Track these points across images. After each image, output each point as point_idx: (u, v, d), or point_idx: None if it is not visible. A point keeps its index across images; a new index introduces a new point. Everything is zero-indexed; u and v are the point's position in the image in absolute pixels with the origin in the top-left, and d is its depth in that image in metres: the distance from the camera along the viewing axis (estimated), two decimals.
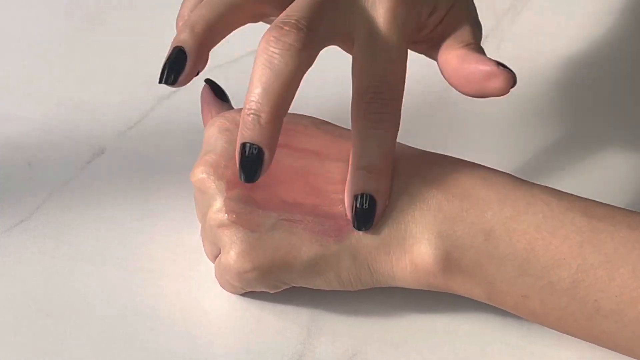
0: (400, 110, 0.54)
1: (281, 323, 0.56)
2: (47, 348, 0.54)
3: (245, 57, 0.73)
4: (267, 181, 0.53)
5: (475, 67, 0.54)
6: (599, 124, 0.68)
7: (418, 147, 0.56)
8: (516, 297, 0.52)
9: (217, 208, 0.54)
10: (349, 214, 0.53)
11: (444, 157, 0.55)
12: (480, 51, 0.55)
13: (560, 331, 0.53)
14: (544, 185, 0.53)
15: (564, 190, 0.53)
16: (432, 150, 0.56)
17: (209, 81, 0.60)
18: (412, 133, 0.66)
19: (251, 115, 0.51)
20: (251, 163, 0.51)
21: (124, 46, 0.74)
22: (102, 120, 0.68)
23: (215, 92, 0.60)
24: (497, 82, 0.53)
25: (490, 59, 0.54)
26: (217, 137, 0.55)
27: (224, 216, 0.53)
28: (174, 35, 0.54)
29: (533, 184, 0.53)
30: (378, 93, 0.53)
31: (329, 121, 0.57)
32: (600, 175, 0.64)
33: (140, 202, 0.62)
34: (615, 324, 0.50)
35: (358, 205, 0.53)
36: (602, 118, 0.69)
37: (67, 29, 0.76)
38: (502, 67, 0.53)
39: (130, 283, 0.58)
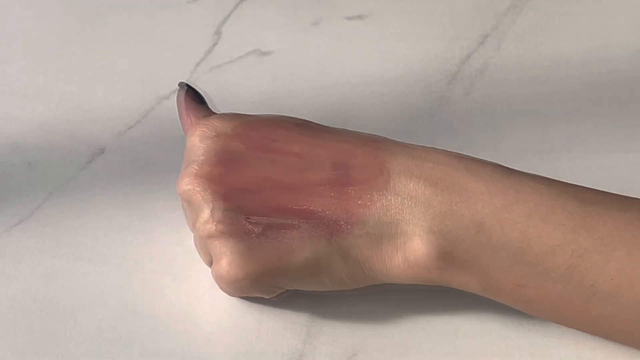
0: None
1: (281, 323, 0.56)
2: (47, 348, 0.54)
3: (245, 58, 0.73)
4: (252, 188, 0.53)
5: None
6: (598, 124, 0.68)
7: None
8: (511, 286, 0.52)
9: (205, 219, 0.54)
10: None
11: (427, 150, 0.54)
12: None
13: (556, 320, 0.53)
14: (532, 173, 0.53)
15: None
16: None
17: (184, 85, 0.59)
18: (412, 133, 0.67)
19: None
20: None
21: (124, 46, 0.74)
22: (102, 120, 0.68)
23: (192, 95, 0.59)
24: None
25: None
26: (198, 147, 0.55)
27: (212, 227, 0.53)
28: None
29: (520, 171, 0.53)
30: None
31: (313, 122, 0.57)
32: (599, 175, 0.64)
33: (140, 202, 0.62)
34: (613, 307, 0.50)
35: None
36: (601, 118, 0.69)
37: (67, 29, 0.76)
38: None
39: (130, 283, 0.58)
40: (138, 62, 0.73)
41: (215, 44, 0.74)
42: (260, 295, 0.55)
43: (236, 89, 0.70)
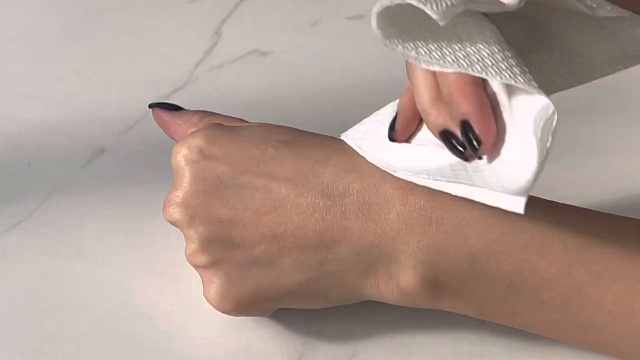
0: None
1: (281, 323, 0.56)
2: (47, 348, 0.54)
3: (245, 57, 0.73)
4: (240, 216, 0.52)
5: None
6: (598, 124, 0.68)
7: None
8: (506, 313, 0.51)
9: (192, 250, 0.53)
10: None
11: None
12: None
13: (553, 338, 0.52)
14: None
15: (558, 194, 0.52)
16: None
17: (154, 104, 0.59)
18: None
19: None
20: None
21: (124, 46, 0.74)
22: (102, 120, 0.68)
23: (166, 107, 0.58)
24: None
25: None
26: (183, 171, 0.53)
27: (199, 258, 0.53)
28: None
29: None
30: None
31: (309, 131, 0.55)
32: (600, 176, 0.64)
33: (140, 202, 0.62)
34: (610, 337, 0.50)
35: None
36: (601, 118, 0.69)
37: (67, 29, 0.76)
38: None
39: (130, 283, 0.58)
40: (138, 62, 0.73)
41: (215, 44, 0.74)
42: (254, 316, 0.55)
43: (236, 89, 0.70)
